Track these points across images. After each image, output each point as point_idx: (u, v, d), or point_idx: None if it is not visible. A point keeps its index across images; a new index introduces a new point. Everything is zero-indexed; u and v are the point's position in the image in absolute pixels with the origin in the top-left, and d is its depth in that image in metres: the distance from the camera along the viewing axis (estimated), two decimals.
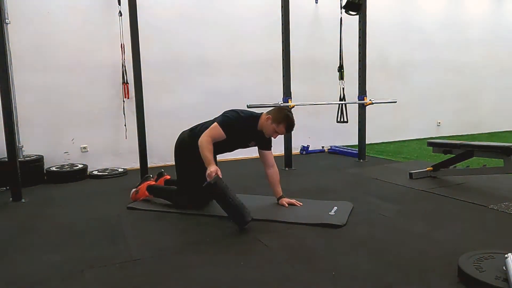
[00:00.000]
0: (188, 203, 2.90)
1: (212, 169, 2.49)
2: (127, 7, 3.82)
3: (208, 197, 3.05)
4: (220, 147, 2.76)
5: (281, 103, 4.32)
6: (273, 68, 5.15)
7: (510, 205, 2.83)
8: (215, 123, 2.71)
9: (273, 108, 2.82)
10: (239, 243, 2.27)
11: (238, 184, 3.58)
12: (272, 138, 2.85)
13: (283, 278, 1.81)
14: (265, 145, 2.90)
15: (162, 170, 3.42)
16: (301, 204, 2.90)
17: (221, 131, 2.67)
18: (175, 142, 2.99)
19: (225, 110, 2.89)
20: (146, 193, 3.14)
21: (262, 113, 2.81)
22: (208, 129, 2.69)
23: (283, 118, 2.70)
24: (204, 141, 2.64)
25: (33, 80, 4.29)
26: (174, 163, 3.00)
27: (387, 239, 2.26)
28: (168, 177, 3.32)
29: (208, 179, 2.45)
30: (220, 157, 2.99)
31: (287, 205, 2.86)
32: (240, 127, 2.75)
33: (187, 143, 2.88)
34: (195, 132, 2.87)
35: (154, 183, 3.24)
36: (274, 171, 2.92)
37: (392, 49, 6.77)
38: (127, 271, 1.92)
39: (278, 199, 2.93)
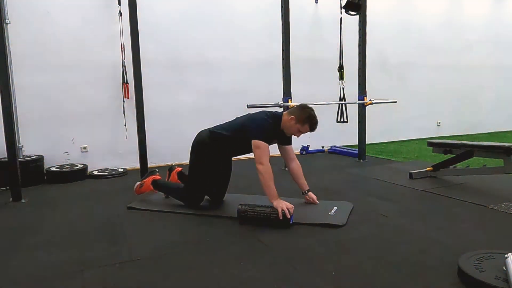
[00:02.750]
0: (198, 202, 2.92)
1: (282, 205, 2.46)
2: (127, 7, 3.82)
3: (218, 197, 3.06)
4: (241, 148, 2.73)
5: (281, 103, 4.32)
6: (273, 68, 5.15)
7: (510, 205, 2.83)
8: (257, 141, 2.59)
9: (295, 107, 2.77)
10: (239, 243, 2.27)
11: (239, 184, 3.58)
12: (296, 137, 2.83)
13: (283, 278, 1.81)
14: (286, 140, 2.90)
15: (173, 164, 3.38)
16: (317, 202, 2.93)
17: (267, 145, 2.62)
18: (193, 141, 2.94)
19: (250, 114, 2.83)
20: (151, 187, 3.14)
21: (283, 112, 2.79)
22: (259, 151, 2.58)
23: (307, 118, 2.68)
24: (267, 169, 2.56)
25: (33, 80, 4.29)
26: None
27: (387, 239, 2.26)
28: (180, 169, 3.31)
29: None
30: None
31: (316, 200, 2.92)
32: (271, 132, 2.72)
33: (206, 144, 2.84)
34: (215, 133, 2.84)
35: (159, 178, 3.23)
36: (297, 165, 2.94)
37: (392, 49, 6.77)
38: (127, 271, 1.92)
39: (306, 192, 2.96)
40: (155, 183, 3.16)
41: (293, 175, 2.97)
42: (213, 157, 2.86)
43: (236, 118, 2.89)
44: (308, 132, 2.77)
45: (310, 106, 2.78)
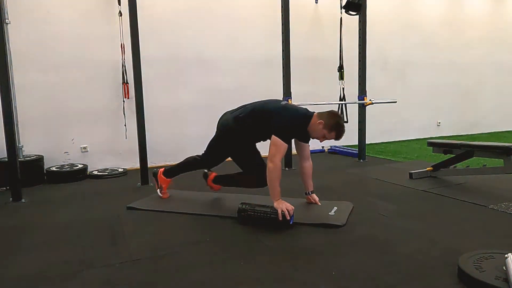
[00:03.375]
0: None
1: (283, 206, 2.46)
2: (127, 7, 3.82)
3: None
4: (265, 134, 2.67)
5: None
6: (273, 68, 5.15)
7: (510, 205, 2.83)
8: (277, 138, 2.55)
9: (325, 112, 2.71)
10: (239, 243, 2.27)
11: None
12: (319, 141, 2.80)
13: (283, 278, 1.81)
14: (306, 138, 2.87)
15: (207, 171, 3.39)
16: (319, 204, 2.93)
17: (285, 145, 2.57)
18: (218, 123, 2.96)
19: (278, 107, 2.74)
20: (166, 180, 3.22)
21: (314, 112, 2.73)
22: (275, 149, 2.54)
23: (335, 126, 2.63)
24: (277, 168, 2.54)
25: (33, 79, 4.29)
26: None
27: (387, 239, 2.26)
28: (215, 174, 3.31)
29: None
30: None
31: (318, 202, 2.92)
32: (295, 131, 2.70)
33: (233, 129, 2.83)
34: (239, 118, 2.81)
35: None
36: (309, 165, 2.94)
37: (392, 49, 6.77)
38: (127, 271, 1.92)
39: (310, 192, 2.96)
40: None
41: (302, 174, 2.96)
42: (242, 141, 2.87)
43: (265, 102, 2.82)
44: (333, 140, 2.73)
45: (339, 114, 2.74)
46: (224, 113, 2.99)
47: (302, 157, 2.94)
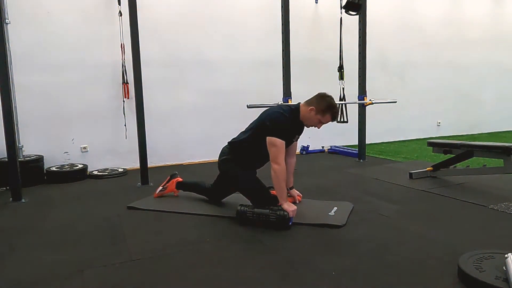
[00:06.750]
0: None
1: (292, 208, 2.48)
2: (127, 7, 3.82)
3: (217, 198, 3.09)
4: (263, 151, 2.58)
5: (281, 103, 4.31)
6: (273, 68, 5.15)
7: (510, 205, 2.83)
8: (274, 138, 2.49)
9: (313, 97, 2.64)
10: (239, 243, 2.27)
11: None
12: (317, 128, 2.73)
13: (283, 278, 1.81)
14: (300, 130, 2.82)
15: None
16: (300, 200, 2.95)
17: (283, 142, 2.52)
18: (219, 158, 2.90)
19: (264, 111, 2.72)
20: (175, 190, 3.22)
21: (299, 103, 2.69)
22: (275, 150, 2.49)
23: (328, 107, 2.56)
24: (283, 169, 2.51)
25: (33, 80, 4.29)
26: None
27: (387, 239, 2.26)
28: (181, 179, 3.29)
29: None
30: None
31: (296, 196, 2.93)
32: (289, 128, 2.62)
33: (228, 159, 2.80)
34: (233, 143, 2.82)
35: (181, 179, 3.26)
36: (293, 161, 2.94)
37: (392, 49, 6.76)
38: (127, 271, 1.92)
39: (289, 189, 2.94)
40: (180, 184, 3.22)
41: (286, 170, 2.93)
42: (240, 167, 2.78)
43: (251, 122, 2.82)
44: (330, 122, 2.67)
45: (328, 94, 2.64)
46: (221, 149, 2.93)
47: (289, 154, 2.87)
